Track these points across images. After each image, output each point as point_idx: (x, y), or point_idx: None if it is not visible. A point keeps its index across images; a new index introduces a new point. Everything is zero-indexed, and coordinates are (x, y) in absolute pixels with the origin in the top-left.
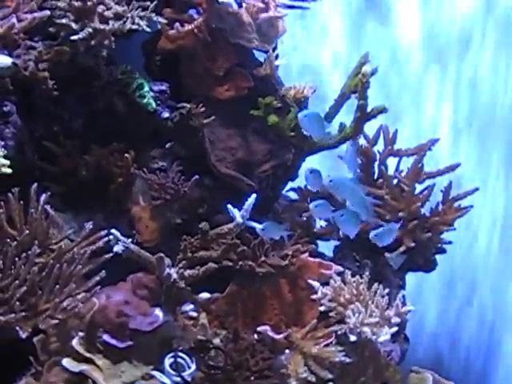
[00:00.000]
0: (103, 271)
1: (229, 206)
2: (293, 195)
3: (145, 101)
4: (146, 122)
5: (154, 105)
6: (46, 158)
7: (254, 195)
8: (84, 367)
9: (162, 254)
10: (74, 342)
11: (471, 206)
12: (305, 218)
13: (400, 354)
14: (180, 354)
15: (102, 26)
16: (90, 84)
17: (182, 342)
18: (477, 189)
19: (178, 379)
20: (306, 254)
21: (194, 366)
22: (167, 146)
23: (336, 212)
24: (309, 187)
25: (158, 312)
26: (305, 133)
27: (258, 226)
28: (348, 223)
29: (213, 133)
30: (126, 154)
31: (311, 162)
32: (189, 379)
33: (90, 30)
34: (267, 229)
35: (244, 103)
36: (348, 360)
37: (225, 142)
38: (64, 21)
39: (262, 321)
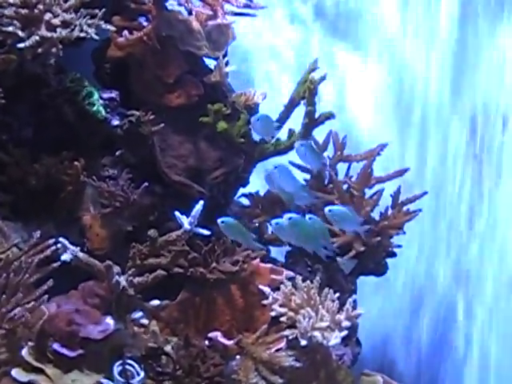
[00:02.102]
0: (51, 280)
1: (176, 212)
2: (245, 201)
3: (94, 109)
4: (96, 129)
5: (103, 113)
6: None
7: (201, 202)
8: (34, 377)
9: (110, 262)
10: (24, 352)
11: (420, 210)
12: (257, 224)
13: (352, 358)
14: (128, 361)
15: (49, 34)
16: (39, 92)
17: (133, 349)
18: (425, 193)
19: None
20: (257, 260)
21: (142, 373)
22: (117, 153)
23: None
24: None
25: (109, 320)
26: (257, 137)
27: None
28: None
29: (163, 140)
30: (76, 162)
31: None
32: None
33: (37, 37)
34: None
35: (195, 110)
36: (298, 364)
37: (175, 150)
38: (10, 28)
39: (214, 327)
